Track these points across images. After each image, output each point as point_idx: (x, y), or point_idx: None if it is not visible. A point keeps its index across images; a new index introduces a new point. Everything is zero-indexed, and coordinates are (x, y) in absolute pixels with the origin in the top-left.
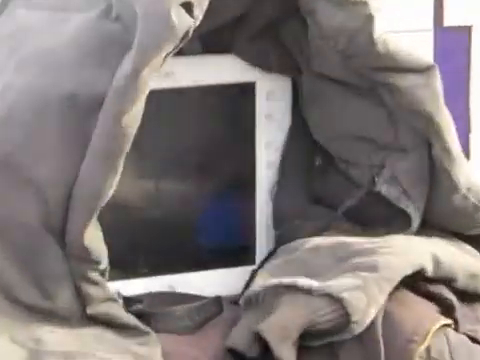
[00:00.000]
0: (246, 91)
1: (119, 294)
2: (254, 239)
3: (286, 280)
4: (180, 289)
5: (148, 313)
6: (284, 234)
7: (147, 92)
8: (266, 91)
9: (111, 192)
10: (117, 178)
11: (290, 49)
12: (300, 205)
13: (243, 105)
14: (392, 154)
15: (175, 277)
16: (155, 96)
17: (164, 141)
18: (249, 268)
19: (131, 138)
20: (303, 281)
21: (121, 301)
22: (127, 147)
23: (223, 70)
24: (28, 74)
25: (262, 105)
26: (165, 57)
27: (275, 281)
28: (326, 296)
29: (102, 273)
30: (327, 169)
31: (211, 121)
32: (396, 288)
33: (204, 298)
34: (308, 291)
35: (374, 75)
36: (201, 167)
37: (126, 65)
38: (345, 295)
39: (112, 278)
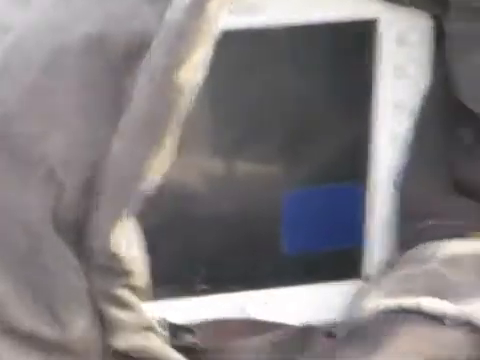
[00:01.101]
0: (364, 33)
1: (163, 321)
2: (362, 244)
3: (407, 301)
4: (255, 314)
5: (203, 349)
6: (412, 238)
7: (216, 33)
8: (395, 33)
9: (156, 177)
10: (167, 158)
11: None
12: (437, 198)
13: (360, 53)
14: None
15: (248, 296)
16: (230, 39)
17: (240, 104)
18: (354, 284)
19: (190, 100)
20: (432, 303)
21: (166, 331)
22: (183, 112)
23: (331, 2)
24: (35, 6)
25: (389, 53)
26: None
27: (390, 303)
28: (465, 326)
29: (135, 290)
30: (478, 147)
31: (311, 76)
32: None
33: (288, 327)
34: (439, 318)
35: None
36: (292, 143)
37: None
38: None
39: (156, 297)
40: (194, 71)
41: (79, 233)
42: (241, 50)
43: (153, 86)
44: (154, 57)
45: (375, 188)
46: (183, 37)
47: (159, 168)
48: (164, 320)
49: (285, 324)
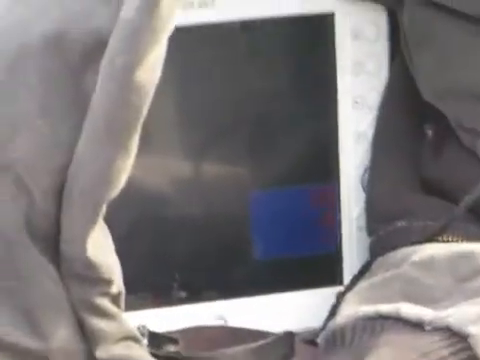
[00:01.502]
0: (321, 27)
1: (143, 329)
2: (339, 249)
3: (385, 308)
4: (233, 322)
5: (185, 358)
6: (382, 241)
7: (171, 29)
8: (350, 27)
9: (123, 179)
10: (131, 159)
11: None
12: (405, 197)
13: (317, 48)
14: None
15: (226, 304)
16: (184, 36)
17: (201, 102)
18: (333, 290)
19: (148, 100)
20: (410, 309)
21: (146, 340)
22: (144, 112)
23: None
24: None
25: (345, 48)
26: None
27: (369, 310)
28: (444, 331)
29: (115, 299)
30: (443, 143)
31: (270, 72)
32: None
33: (268, 335)
34: (418, 324)
35: None
36: (257, 143)
37: None
38: (472, 330)
39: (133, 307)
40: (151, 70)
41: (54, 240)
42: (197, 46)
43: (113, 86)
44: (112, 57)
45: (345, 189)
46: (138, 36)
47: (124, 170)
48: (144, 327)
49: (265, 332)
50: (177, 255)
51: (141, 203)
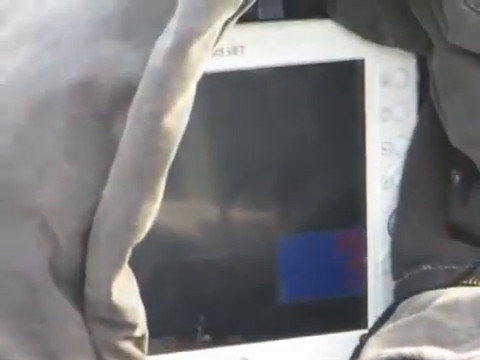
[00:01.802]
0: (350, 73)
1: None
2: (364, 293)
3: (408, 350)
4: None
5: None
6: (407, 285)
7: (199, 76)
8: (380, 73)
9: (149, 224)
10: (157, 204)
11: (415, 13)
12: (430, 241)
13: (346, 94)
14: None
15: (249, 347)
16: (213, 82)
17: (229, 147)
18: (357, 334)
19: (176, 145)
20: (432, 352)
21: None
22: (171, 158)
23: (316, 43)
24: (22, 53)
25: (374, 94)
26: (225, 24)
27: (391, 352)
28: None
29: (139, 343)
30: (470, 187)
31: (298, 118)
32: None
33: None
34: None
35: None
36: (286, 188)
37: (166, 37)
38: None
39: (158, 350)
40: (179, 116)
41: (78, 284)
42: (226, 93)
43: (140, 132)
44: (140, 103)
45: (372, 233)
46: (166, 83)
47: (150, 214)
48: None
49: None
50: (202, 299)
51: (167, 247)
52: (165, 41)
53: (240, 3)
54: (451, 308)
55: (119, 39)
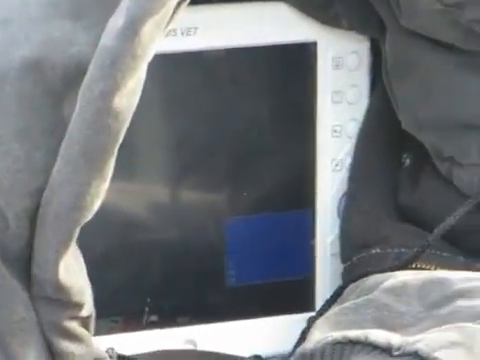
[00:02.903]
0: (303, 56)
1: (112, 352)
2: (313, 275)
3: (353, 333)
4: (204, 346)
5: None
6: (356, 268)
7: (150, 57)
8: (332, 56)
9: (97, 204)
10: (105, 184)
11: None
12: (380, 225)
13: (298, 77)
14: None
15: (196, 329)
16: (165, 63)
17: (179, 128)
18: (305, 316)
19: (126, 125)
20: (378, 335)
21: None
22: (120, 138)
23: (268, 25)
24: None
25: (326, 76)
26: (179, 5)
27: (337, 335)
28: (413, 356)
29: (85, 322)
30: (420, 171)
31: (250, 99)
32: None
33: (236, 359)
34: (386, 349)
35: None
36: (235, 169)
37: (118, 16)
38: (440, 355)
39: (103, 331)
40: (130, 96)
41: (26, 263)
42: (178, 74)
43: (90, 111)
44: (90, 83)
45: (322, 216)
46: (117, 63)
47: (98, 195)
48: (113, 350)
49: (234, 356)
50: (150, 279)
51: (116, 227)
52: (117, 21)
53: None
54: (399, 291)
55: (70, 19)
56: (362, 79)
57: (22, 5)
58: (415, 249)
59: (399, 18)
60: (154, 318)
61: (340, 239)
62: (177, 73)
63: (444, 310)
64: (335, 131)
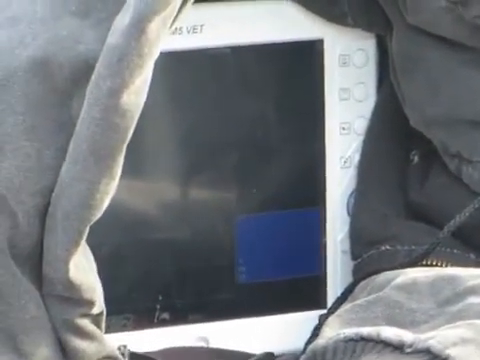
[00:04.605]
0: (309, 54)
1: (124, 349)
2: (323, 273)
3: (366, 330)
4: (216, 343)
5: None
6: (366, 265)
7: (156, 54)
8: (339, 53)
9: (106, 202)
10: (115, 182)
11: None
12: (390, 222)
13: (305, 74)
14: None
15: (209, 326)
16: (171, 61)
17: (188, 126)
18: (316, 314)
19: (134, 123)
20: (390, 332)
21: None
22: (128, 136)
23: (274, 23)
24: None
25: (333, 74)
26: (185, 2)
27: (349, 332)
28: (425, 353)
29: (96, 320)
30: (429, 168)
31: (258, 97)
32: None
33: (249, 356)
34: (398, 346)
35: None
36: (245, 167)
37: (124, 14)
38: (452, 352)
39: (115, 328)
40: (137, 94)
41: (37, 261)
42: (185, 71)
43: (98, 110)
44: (98, 81)
45: (331, 213)
46: (124, 60)
47: (108, 193)
48: (124, 348)
49: (246, 353)
50: (161, 277)
51: (126, 225)
52: (123, 19)
53: None
54: (409, 288)
55: (77, 17)
56: (369, 76)
57: (30, 3)
58: (425, 246)
59: (405, 15)
60: (165, 315)
61: (350, 236)
62: (184, 71)
63: (455, 307)
64: (343, 128)
